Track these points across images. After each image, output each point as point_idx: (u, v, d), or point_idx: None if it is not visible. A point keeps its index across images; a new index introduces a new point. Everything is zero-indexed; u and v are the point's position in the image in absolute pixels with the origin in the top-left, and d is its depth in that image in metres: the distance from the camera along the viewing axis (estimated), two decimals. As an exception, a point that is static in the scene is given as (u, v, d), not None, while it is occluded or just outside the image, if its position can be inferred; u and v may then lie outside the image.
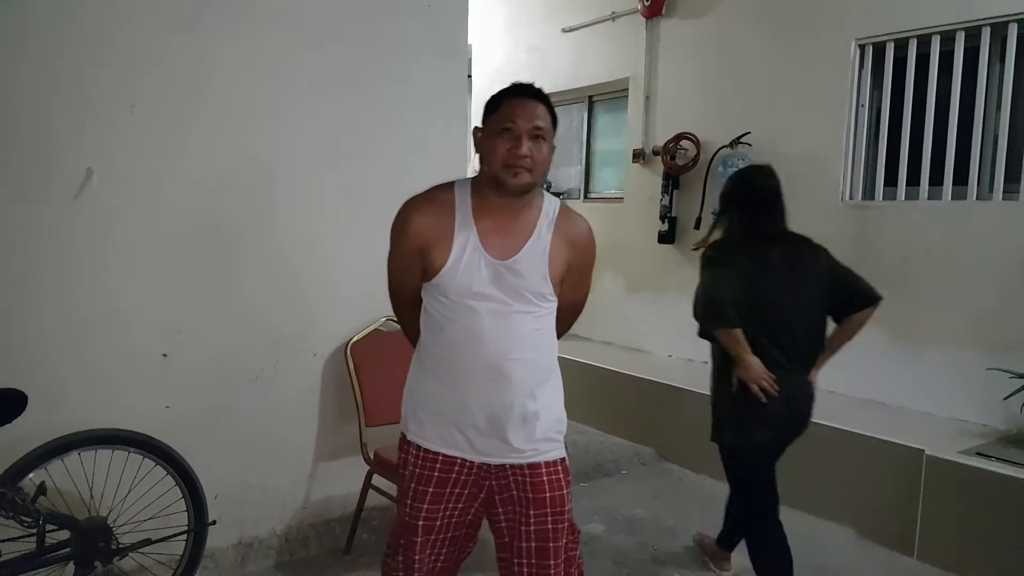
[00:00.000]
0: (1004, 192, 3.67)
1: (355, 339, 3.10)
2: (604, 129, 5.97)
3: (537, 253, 1.79)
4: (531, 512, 1.81)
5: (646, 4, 5.13)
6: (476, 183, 1.82)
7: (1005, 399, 3.34)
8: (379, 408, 3.05)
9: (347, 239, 3.11)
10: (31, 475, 2.22)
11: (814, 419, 3.69)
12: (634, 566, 3.11)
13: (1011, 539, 2.96)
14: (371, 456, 2.97)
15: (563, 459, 1.88)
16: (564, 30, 5.85)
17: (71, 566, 2.27)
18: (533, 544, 1.81)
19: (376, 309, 3.18)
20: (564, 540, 1.85)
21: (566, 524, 1.85)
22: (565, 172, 6.27)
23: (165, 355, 2.69)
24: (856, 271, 3.85)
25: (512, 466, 1.82)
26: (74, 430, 2.30)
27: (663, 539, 3.39)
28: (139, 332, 2.64)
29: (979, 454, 3.19)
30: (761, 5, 4.59)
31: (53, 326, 2.48)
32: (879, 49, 4.12)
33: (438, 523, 1.84)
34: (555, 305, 1.86)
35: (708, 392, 4.21)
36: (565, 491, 1.85)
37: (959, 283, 3.74)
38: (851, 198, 4.24)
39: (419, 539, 1.83)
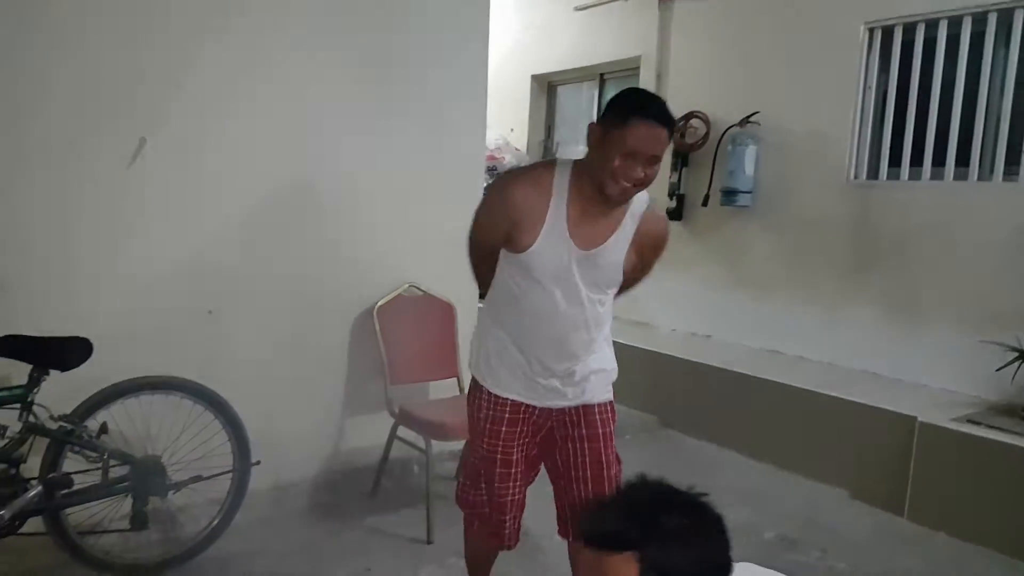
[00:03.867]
0: (1004, 174, 3.79)
1: (381, 303, 3.30)
2: (616, 107, 6.09)
3: (618, 247, 1.94)
4: (587, 446, 2.07)
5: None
6: (577, 168, 1.90)
7: (997, 370, 3.50)
8: (402, 368, 3.27)
9: (377, 211, 3.33)
10: (95, 415, 2.43)
11: (814, 388, 3.92)
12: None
13: (997, 500, 3.15)
14: (396, 411, 3.17)
15: (611, 402, 2.13)
16: (576, 8, 5.96)
17: (130, 498, 2.49)
18: (590, 473, 2.07)
19: (400, 275, 3.40)
20: (614, 469, 2.11)
21: (614, 454, 2.11)
22: (575, 151, 6.42)
23: (211, 312, 2.90)
24: (857, 248, 3.96)
25: (570, 408, 2.07)
26: (130, 376, 2.51)
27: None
28: (188, 290, 2.86)
29: (970, 421, 3.37)
30: (774, -13, 4.71)
31: (112, 283, 2.70)
32: (888, 32, 4.24)
33: (513, 457, 2.07)
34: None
35: (709, 363, 4.43)
36: (612, 427, 2.11)
37: (957, 260, 3.89)
38: (856, 177, 4.38)
39: (499, 470, 2.07)
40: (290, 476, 3.15)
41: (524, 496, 2.16)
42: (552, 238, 1.87)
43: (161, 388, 2.57)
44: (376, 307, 3.27)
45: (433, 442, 3.00)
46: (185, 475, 2.60)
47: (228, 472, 2.68)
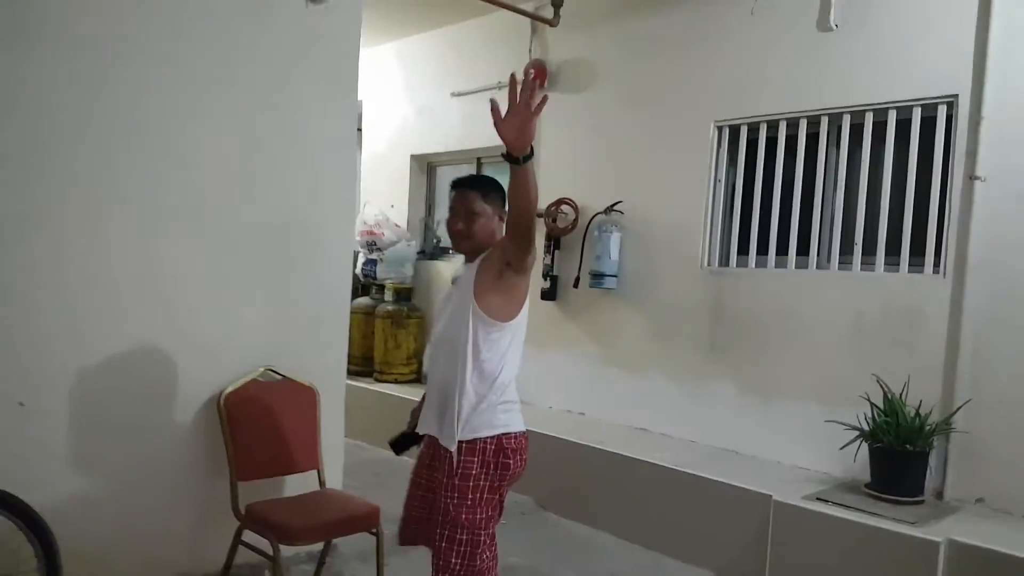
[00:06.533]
0: (840, 263, 4.12)
1: (229, 390, 3.09)
2: (491, 190, 6.21)
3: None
4: None
5: (530, 78, 5.46)
6: None
7: (841, 449, 3.68)
8: (252, 463, 3.06)
9: (227, 287, 3.16)
10: None
11: (673, 466, 3.99)
12: (505, 614, 3.19)
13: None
14: (242, 511, 2.95)
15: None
16: (453, 94, 6.12)
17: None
18: None
19: (256, 358, 3.21)
20: None
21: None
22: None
23: (22, 404, 2.63)
24: (713, 330, 4.04)
25: None
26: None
27: (535, 587, 3.51)
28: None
29: (819, 499, 3.51)
30: (633, 86, 5.00)
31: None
32: (734, 131, 4.57)
33: None
34: None
35: (581, 441, 4.44)
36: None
37: (802, 342, 4.14)
38: (708, 264, 4.63)
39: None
40: (117, 590, 2.85)
41: None
42: None
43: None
44: (223, 395, 3.07)
45: (282, 547, 2.79)
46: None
47: (35, 593, 2.37)
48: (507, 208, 2.21)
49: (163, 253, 2.99)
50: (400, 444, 2.60)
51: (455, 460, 2.31)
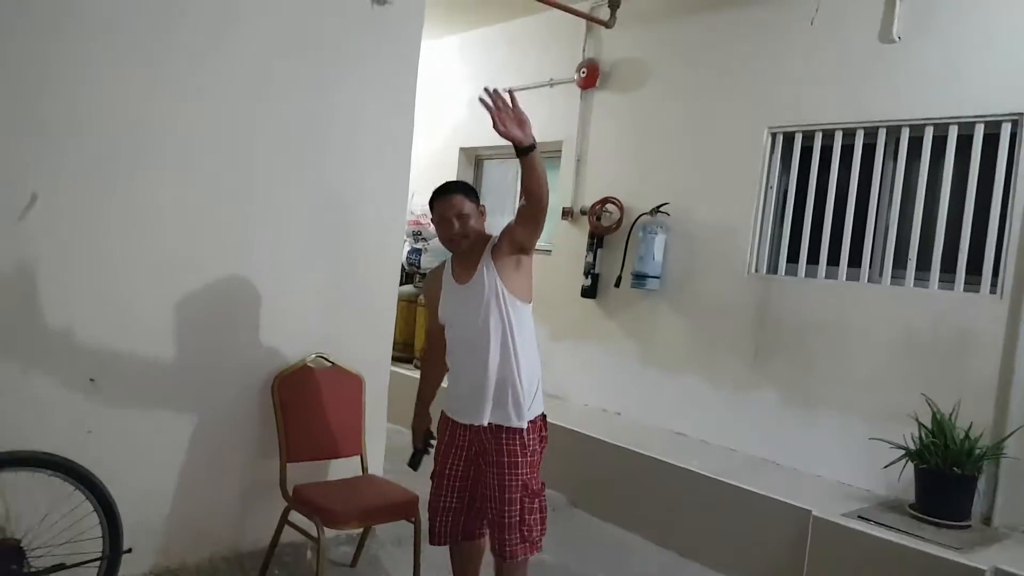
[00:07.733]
0: (892, 278, 4.05)
1: (282, 373, 3.16)
2: (536, 185, 6.22)
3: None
4: None
5: (582, 76, 5.48)
6: None
7: (885, 467, 3.63)
8: (301, 444, 3.11)
9: (286, 276, 3.22)
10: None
11: (710, 474, 3.97)
12: (537, 609, 3.20)
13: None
14: (290, 492, 3.01)
15: None
16: (505, 90, 6.11)
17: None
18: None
19: (308, 344, 3.27)
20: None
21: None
22: (499, 221, 6.46)
23: (93, 380, 2.70)
24: (757, 337, 4.00)
25: None
26: (-5, 451, 2.30)
27: (566, 584, 3.53)
28: (67, 355, 2.66)
29: (861, 517, 3.46)
30: (686, 88, 4.96)
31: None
32: (789, 138, 4.52)
33: None
34: None
35: (617, 443, 4.44)
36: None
37: (849, 356, 4.08)
38: (756, 270, 4.58)
39: None
40: (167, 561, 2.93)
41: None
42: None
43: (24, 464, 2.34)
44: (276, 379, 3.13)
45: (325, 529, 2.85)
46: (47, 562, 2.36)
47: (96, 560, 2.46)
48: (523, 196, 2.49)
49: (227, 241, 3.06)
50: (416, 461, 2.93)
51: (526, 439, 2.62)
